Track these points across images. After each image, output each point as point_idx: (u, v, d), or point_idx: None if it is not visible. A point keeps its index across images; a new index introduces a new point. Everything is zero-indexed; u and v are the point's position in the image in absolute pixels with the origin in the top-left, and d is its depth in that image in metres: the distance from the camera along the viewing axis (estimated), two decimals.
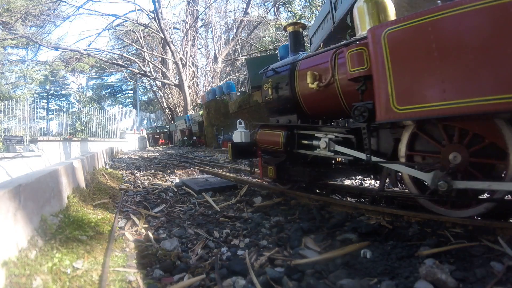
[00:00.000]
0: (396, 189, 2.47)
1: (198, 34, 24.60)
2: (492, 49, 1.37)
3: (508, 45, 1.32)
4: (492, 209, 1.62)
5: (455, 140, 1.69)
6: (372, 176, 2.52)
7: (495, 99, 1.35)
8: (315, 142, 2.37)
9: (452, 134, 1.71)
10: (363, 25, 2.18)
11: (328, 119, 2.76)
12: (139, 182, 3.95)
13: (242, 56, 21.86)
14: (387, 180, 2.05)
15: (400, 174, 1.98)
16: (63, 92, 34.89)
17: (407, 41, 1.63)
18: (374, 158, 1.95)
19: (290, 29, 2.90)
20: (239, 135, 3.05)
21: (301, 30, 2.90)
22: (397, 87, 1.67)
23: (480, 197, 1.78)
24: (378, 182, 2.87)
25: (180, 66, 18.79)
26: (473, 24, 1.41)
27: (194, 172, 4.96)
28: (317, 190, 2.87)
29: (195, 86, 22.30)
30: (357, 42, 2.00)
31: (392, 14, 2.15)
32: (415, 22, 1.59)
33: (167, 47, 19.75)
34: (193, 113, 17.56)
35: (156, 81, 23.49)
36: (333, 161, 2.65)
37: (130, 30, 21.69)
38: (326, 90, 2.31)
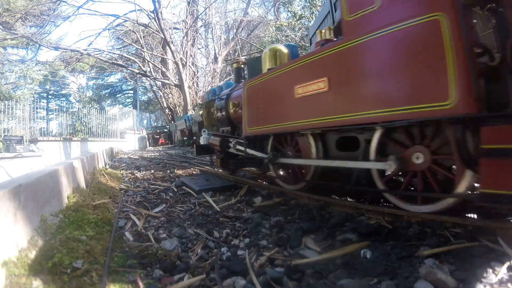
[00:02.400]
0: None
1: (198, 34, 24.56)
2: (276, 100, 2.70)
3: (265, 100, 2.84)
4: (456, 204, 1.71)
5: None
6: (261, 167, 3.77)
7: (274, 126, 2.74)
8: (230, 144, 3.67)
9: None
10: (264, 68, 3.05)
11: None
12: (139, 182, 3.95)
13: (242, 56, 21.82)
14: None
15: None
16: (63, 92, 34.85)
17: (254, 91, 3.01)
18: (249, 151, 3.30)
19: (235, 65, 4.40)
20: (203, 139, 4.39)
21: (242, 66, 4.38)
22: (248, 117, 3.09)
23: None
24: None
25: (180, 66, 18.76)
26: (272, 85, 2.74)
27: (194, 172, 4.96)
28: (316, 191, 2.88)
29: (195, 86, 22.28)
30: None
31: (286, 60, 2.97)
32: (256, 81, 2.95)
33: (167, 47, 19.72)
34: (193, 113, 17.54)
35: (156, 81, 23.47)
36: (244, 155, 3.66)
37: (130, 30, 21.66)
38: (238, 113, 3.64)
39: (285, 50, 3.04)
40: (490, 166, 1.40)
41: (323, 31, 2.52)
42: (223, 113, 4.11)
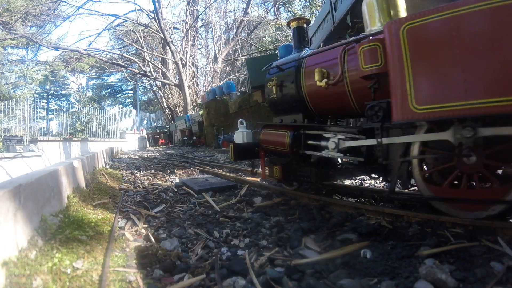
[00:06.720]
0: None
1: (198, 34, 24.58)
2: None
3: None
4: (504, 211, 1.58)
5: None
6: (382, 177, 2.39)
7: None
8: (323, 143, 2.31)
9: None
10: (372, 21, 2.09)
11: (335, 118, 2.69)
12: (139, 182, 3.95)
13: (242, 56, 21.83)
14: (398, 182, 1.98)
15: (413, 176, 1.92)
16: (63, 92, 34.84)
17: (428, 37, 1.52)
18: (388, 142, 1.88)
19: (293, 24, 2.81)
20: (240, 135, 3.01)
21: (305, 25, 2.82)
22: (416, 85, 1.55)
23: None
24: (381, 183, 2.85)
25: (180, 66, 18.77)
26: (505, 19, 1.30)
27: (194, 172, 4.96)
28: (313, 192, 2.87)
29: (195, 86, 22.28)
30: (370, 37, 1.92)
31: (402, 9, 2.06)
32: (437, 17, 1.48)
33: (167, 47, 19.74)
34: (193, 113, 17.54)
35: (156, 81, 23.48)
36: (339, 162, 2.60)
37: (130, 30, 21.67)
38: (334, 88, 2.22)
39: None
40: None
41: None
42: (289, 90, 2.62)
